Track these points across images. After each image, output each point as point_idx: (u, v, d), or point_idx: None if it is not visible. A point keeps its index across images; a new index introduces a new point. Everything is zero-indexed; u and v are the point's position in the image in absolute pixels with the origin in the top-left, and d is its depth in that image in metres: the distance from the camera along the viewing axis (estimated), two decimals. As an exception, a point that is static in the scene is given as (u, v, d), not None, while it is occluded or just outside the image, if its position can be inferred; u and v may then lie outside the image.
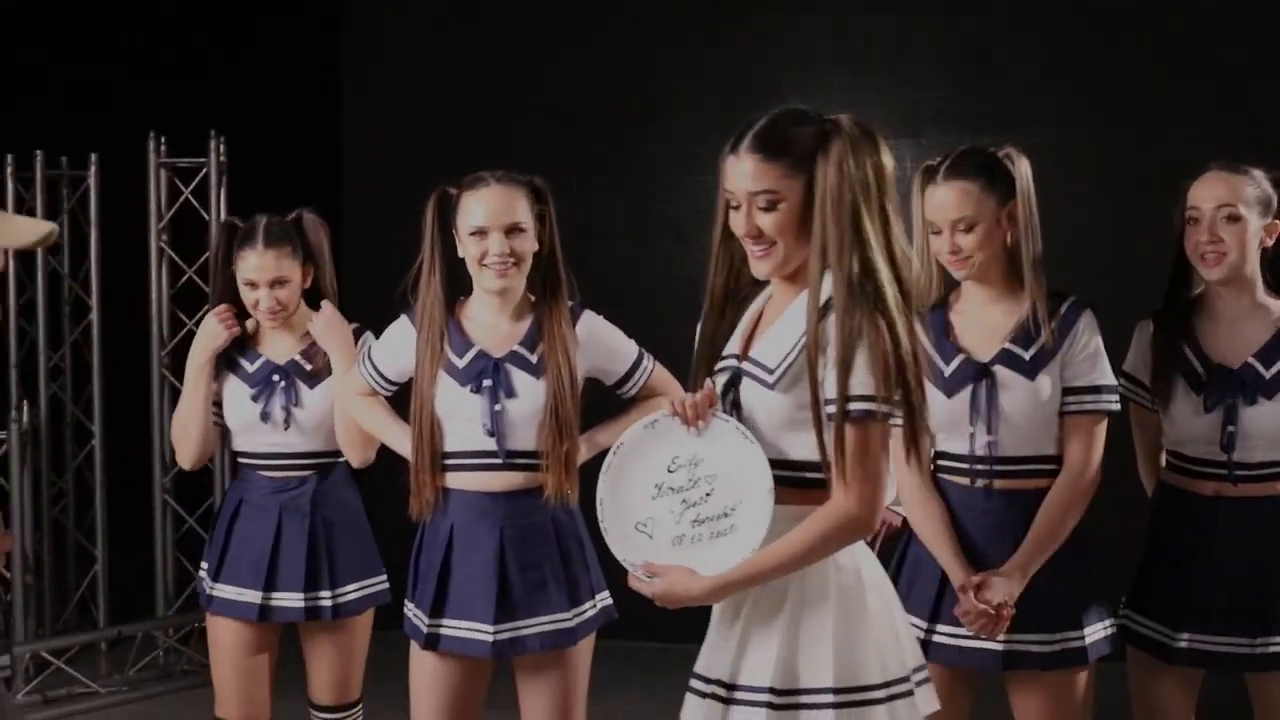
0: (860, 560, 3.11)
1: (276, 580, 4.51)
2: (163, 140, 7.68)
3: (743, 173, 3.03)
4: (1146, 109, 7.49)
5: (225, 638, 4.56)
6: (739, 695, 3.04)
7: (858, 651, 3.02)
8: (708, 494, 3.04)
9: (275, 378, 4.54)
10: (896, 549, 4.04)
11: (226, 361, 4.61)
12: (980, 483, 3.82)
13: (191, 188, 7.66)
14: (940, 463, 3.89)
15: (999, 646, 3.76)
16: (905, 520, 4.02)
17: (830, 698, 2.98)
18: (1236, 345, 3.93)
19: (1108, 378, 3.83)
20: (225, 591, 4.55)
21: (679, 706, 3.13)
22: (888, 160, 3.03)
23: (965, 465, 3.83)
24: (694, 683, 3.12)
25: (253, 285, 4.51)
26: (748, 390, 3.07)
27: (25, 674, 7.03)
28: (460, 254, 4.12)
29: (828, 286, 2.98)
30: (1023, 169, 3.83)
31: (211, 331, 4.58)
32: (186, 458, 4.64)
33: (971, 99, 7.70)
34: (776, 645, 3.01)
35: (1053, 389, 3.79)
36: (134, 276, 7.69)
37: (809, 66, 7.84)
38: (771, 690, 3.00)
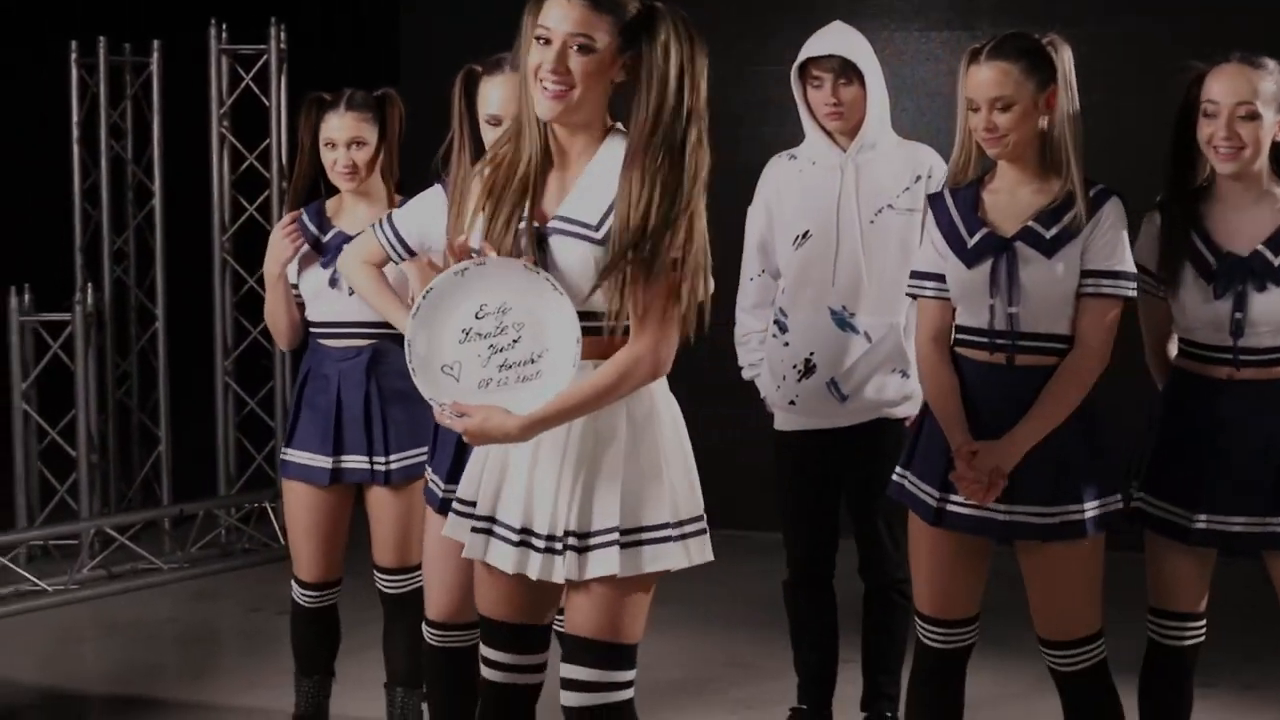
0: (657, 400, 3.32)
1: (343, 444, 4.72)
2: (224, 27, 7.75)
3: (567, 15, 3.17)
4: (1208, 4, 7.45)
5: (300, 502, 4.77)
6: (536, 542, 3.29)
7: (648, 491, 3.27)
8: (515, 340, 3.21)
9: (345, 246, 4.60)
10: (915, 420, 4.19)
11: (304, 231, 4.77)
12: (1000, 356, 3.90)
13: (252, 74, 7.74)
14: (959, 336, 3.98)
15: (1002, 517, 3.87)
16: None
17: (616, 536, 3.24)
18: (1246, 233, 3.95)
19: (1127, 264, 3.89)
20: (298, 457, 4.76)
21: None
22: (703, 62, 3.22)
23: (985, 339, 3.92)
24: (498, 529, 3.33)
25: (331, 145, 4.70)
26: (562, 246, 3.25)
27: (90, 549, 7.20)
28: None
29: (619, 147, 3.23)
30: (1065, 56, 3.90)
31: (278, 246, 4.77)
32: (283, 343, 4.91)
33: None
34: (570, 490, 3.25)
35: (1069, 270, 3.87)
36: (196, 162, 7.82)
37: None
38: (568, 534, 3.25)
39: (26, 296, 7.25)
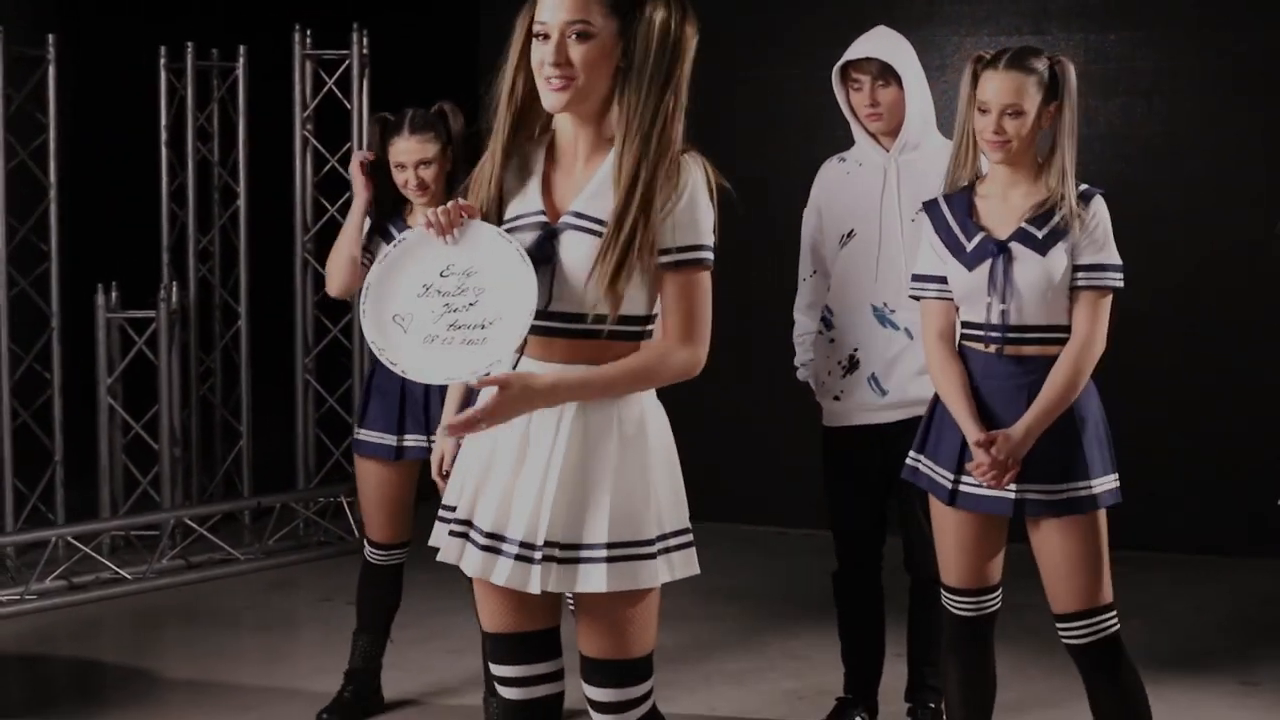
0: (646, 413, 3.29)
1: (405, 425, 5.17)
2: (308, 33, 7.93)
3: (561, 4, 3.15)
4: (1276, 13, 7.48)
5: (370, 476, 5.29)
6: (506, 548, 3.24)
7: (635, 506, 3.22)
8: (471, 304, 3.18)
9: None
10: (927, 410, 4.34)
11: (381, 232, 5.16)
12: (993, 348, 4.14)
13: (335, 79, 7.91)
14: (964, 331, 4.24)
15: (1012, 495, 4.11)
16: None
17: (604, 552, 3.20)
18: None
19: (1114, 257, 4.14)
20: (369, 436, 5.26)
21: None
22: (692, 35, 3.22)
23: (982, 333, 4.16)
24: (473, 533, 3.29)
25: (401, 167, 5.08)
26: (574, 241, 3.21)
27: (171, 539, 7.39)
28: None
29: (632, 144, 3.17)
30: (1071, 76, 4.14)
31: (354, 180, 5.22)
32: (335, 285, 5.21)
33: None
34: (556, 498, 3.20)
35: (1060, 266, 4.08)
36: (279, 164, 7.98)
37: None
38: (548, 544, 3.20)
39: (114, 294, 7.43)
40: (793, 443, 7.21)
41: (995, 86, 4.11)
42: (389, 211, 5.16)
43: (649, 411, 3.30)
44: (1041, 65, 4.13)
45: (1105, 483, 4.15)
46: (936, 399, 4.28)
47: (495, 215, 3.29)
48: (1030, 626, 5.83)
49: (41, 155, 7.36)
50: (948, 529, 4.25)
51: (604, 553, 3.21)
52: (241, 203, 8.06)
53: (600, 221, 3.20)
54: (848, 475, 4.95)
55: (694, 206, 3.22)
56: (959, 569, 4.27)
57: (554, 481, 3.21)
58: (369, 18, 8.00)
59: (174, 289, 7.56)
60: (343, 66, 7.90)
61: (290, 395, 8.03)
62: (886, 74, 4.79)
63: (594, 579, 3.21)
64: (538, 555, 3.21)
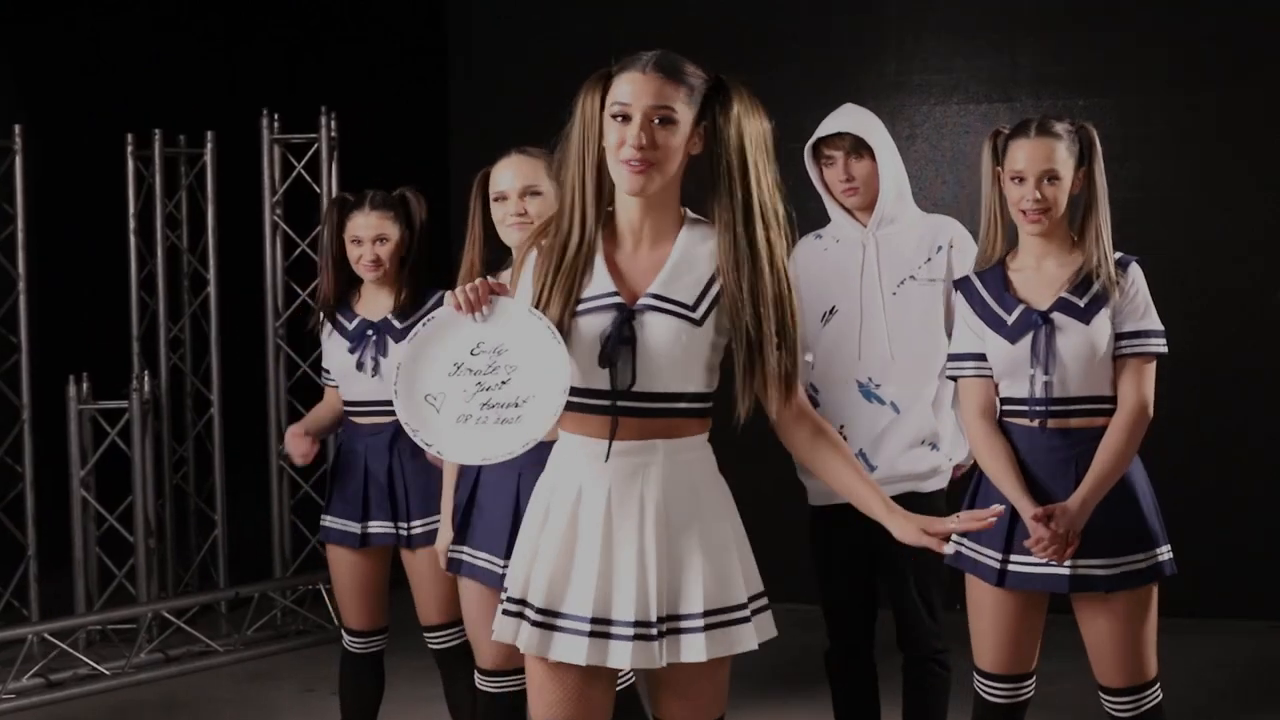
0: (716, 480, 3.36)
1: (370, 511, 5.06)
2: (276, 117, 7.90)
3: (646, 89, 3.18)
4: (1241, 72, 7.51)
5: (339, 563, 5.16)
6: (619, 630, 3.23)
7: (725, 571, 3.29)
8: (504, 382, 3.18)
9: (369, 333, 5.04)
10: (968, 488, 4.30)
11: (333, 322, 5.13)
12: (1037, 422, 4.10)
13: (304, 163, 7.88)
14: (1005, 407, 4.18)
15: (1067, 571, 4.06)
16: (975, 463, 4.30)
17: (700, 621, 3.24)
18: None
19: (1155, 323, 4.13)
20: (334, 523, 5.15)
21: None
22: (770, 133, 3.28)
23: (1026, 407, 4.12)
24: (563, 622, 3.26)
25: (358, 242, 5.02)
26: (657, 323, 3.23)
27: (148, 633, 7.29)
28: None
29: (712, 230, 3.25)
30: (1095, 138, 4.16)
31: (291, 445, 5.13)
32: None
33: (1064, 64, 7.74)
34: (656, 575, 3.22)
35: (1103, 335, 4.07)
36: (249, 250, 7.94)
37: (907, 32, 7.93)
38: (661, 620, 3.23)
39: (85, 385, 7.37)
40: (772, 515, 7.14)
41: (1028, 154, 4.10)
42: (337, 302, 5.12)
43: (716, 479, 3.37)
44: (1067, 130, 4.13)
45: (1161, 553, 4.11)
46: (978, 479, 4.24)
47: (564, 297, 3.27)
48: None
49: (9, 246, 7.31)
50: (988, 611, 4.19)
51: (700, 621, 3.24)
52: (212, 289, 7.99)
53: (683, 305, 3.25)
54: (837, 553, 4.89)
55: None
56: (998, 653, 4.20)
57: (652, 558, 3.24)
58: (337, 100, 7.98)
59: (145, 378, 7.48)
60: (311, 150, 7.88)
61: (265, 482, 7.96)
62: (859, 148, 4.77)
63: (694, 648, 3.25)
64: (653, 631, 3.22)
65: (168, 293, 8.02)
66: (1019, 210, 4.11)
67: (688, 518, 3.27)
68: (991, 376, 4.17)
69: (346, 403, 5.12)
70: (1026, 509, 4.04)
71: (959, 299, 4.26)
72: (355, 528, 5.06)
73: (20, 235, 7.28)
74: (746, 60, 8.03)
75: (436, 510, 4.87)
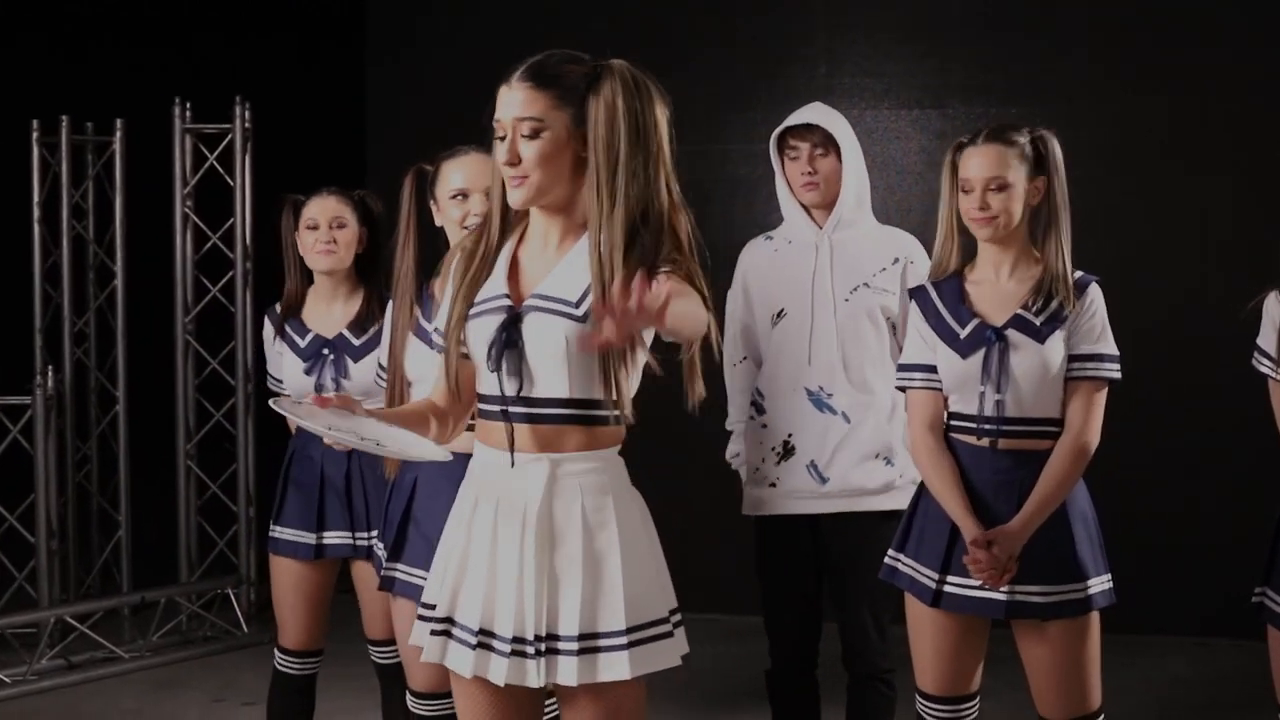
0: (615, 497, 3.19)
1: (325, 521, 4.88)
2: (188, 106, 7.70)
3: (511, 100, 3.12)
4: (1174, 80, 7.47)
5: (285, 576, 4.93)
6: (499, 645, 3.14)
7: (602, 596, 3.14)
8: (374, 442, 3.11)
9: (325, 351, 4.86)
10: (909, 504, 4.18)
11: (282, 336, 4.95)
12: (985, 440, 3.99)
13: (216, 154, 7.68)
14: (952, 422, 4.06)
15: (1003, 597, 3.94)
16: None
17: (575, 644, 3.11)
18: None
19: (1111, 347, 4.02)
20: (285, 534, 4.92)
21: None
22: (661, 111, 3.14)
23: (974, 425, 4.00)
24: (456, 631, 3.20)
25: (314, 227, 4.85)
26: (538, 323, 3.13)
27: (50, 638, 7.05)
28: (439, 222, 4.24)
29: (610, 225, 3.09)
30: (1055, 148, 4.04)
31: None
32: None
33: (997, 71, 7.68)
34: (534, 592, 3.12)
35: (1057, 355, 3.96)
36: (158, 242, 7.74)
37: (838, 35, 7.84)
38: (539, 638, 3.12)
39: (-14, 379, 7.13)
40: (712, 524, 7.03)
41: (976, 162, 3.99)
42: (289, 311, 4.96)
43: (618, 495, 3.19)
44: (1023, 138, 4.01)
45: (1099, 583, 4.00)
46: (919, 494, 4.11)
47: (463, 301, 3.23)
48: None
49: (-92, 235, 7.05)
50: (927, 632, 4.06)
51: (575, 645, 3.12)
52: (119, 282, 7.77)
53: (565, 301, 3.14)
54: (783, 567, 4.76)
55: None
56: (937, 675, 4.07)
57: (530, 574, 3.13)
58: (251, 90, 7.78)
59: (49, 373, 7.24)
60: (225, 140, 7.68)
61: (171, 483, 7.76)
62: (826, 144, 4.65)
63: (567, 672, 3.12)
64: (529, 649, 3.13)
65: (73, 285, 7.77)
66: (969, 219, 4.01)
67: (569, 536, 3.14)
68: (941, 390, 4.06)
69: None
70: (969, 529, 3.93)
71: (913, 307, 4.13)
72: (309, 538, 4.87)
73: (-80, 223, 7.03)
74: (672, 56, 7.93)
75: None
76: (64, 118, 7.64)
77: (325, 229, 4.84)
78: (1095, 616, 3.99)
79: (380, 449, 3.11)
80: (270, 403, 3.17)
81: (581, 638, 3.11)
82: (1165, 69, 7.49)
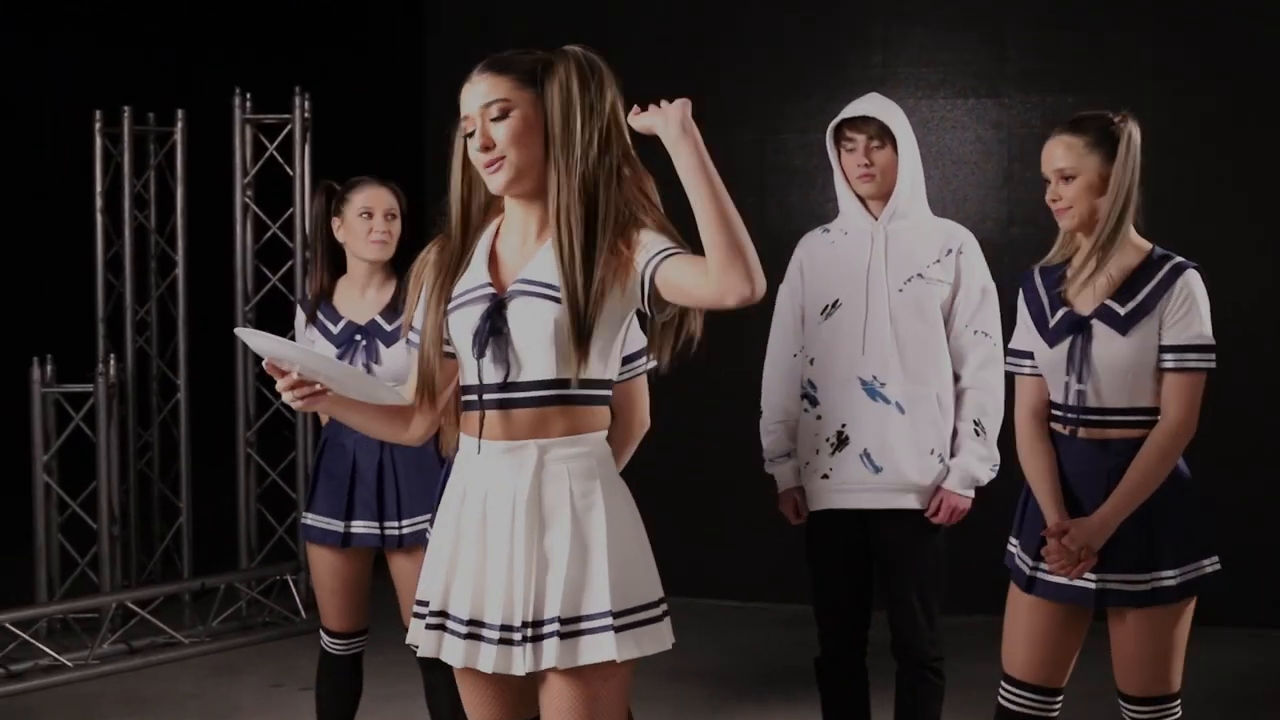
0: (600, 485, 3.23)
1: (354, 510, 4.90)
2: (248, 97, 7.75)
3: (475, 91, 3.19)
4: (1231, 69, 7.43)
5: (320, 563, 4.99)
6: (488, 634, 3.19)
7: (588, 579, 3.18)
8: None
9: (357, 337, 4.86)
10: (1021, 493, 4.18)
11: (314, 323, 4.95)
12: (1068, 429, 4.03)
13: (276, 144, 7.74)
14: (1051, 411, 4.11)
15: (1093, 585, 3.96)
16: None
17: (557, 627, 3.14)
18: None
19: (1205, 338, 3.96)
20: (316, 521, 4.95)
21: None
22: (610, 87, 3.20)
23: (1061, 414, 4.04)
24: (449, 624, 3.24)
25: (368, 215, 4.87)
26: (523, 307, 3.18)
27: (111, 623, 7.13)
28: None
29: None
30: (1131, 133, 4.02)
31: None
32: None
33: (1054, 59, 7.64)
34: (524, 579, 3.16)
35: (1145, 345, 3.94)
36: (219, 232, 7.81)
37: (894, 25, 7.82)
38: (525, 624, 3.15)
39: (49, 367, 7.21)
40: (765, 515, 7.04)
41: (1046, 154, 4.04)
42: (320, 297, 4.97)
43: (603, 485, 3.23)
44: (1096, 126, 4.01)
45: (1192, 570, 3.96)
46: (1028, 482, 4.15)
47: (439, 296, 3.29)
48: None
49: (-26, 224, 7.14)
50: (1021, 616, 4.08)
51: (558, 627, 3.15)
52: (180, 271, 7.85)
53: (548, 285, 3.18)
54: (832, 556, 4.77)
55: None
56: (1026, 660, 4.09)
57: (520, 561, 3.18)
58: (311, 81, 7.84)
59: (111, 362, 7.32)
60: (284, 131, 7.73)
61: (231, 470, 7.82)
62: (882, 135, 4.66)
63: (548, 654, 3.14)
64: (516, 636, 3.17)
65: (134, 274, 7.87)
66: (1052, 209, 4.05)
67: (557, 520, 3.19)
68: (1043, 376, 4.09)
69: None
70: (1051, 517, 3.97)
71: (1020, 294, 4.17)
72: (338, 526, 4.90)
73: (-15, 213, 7.12)
74: (729, 48, 7.95)
75: (426, 510, 4.77)
76: (126, 108, 7.75)
77: (381, 219, 4.86)
78: (1190, 602, 3.98)
79: (341, 387, 3.24)
80: (235, 330, 3.36)
81: (565, 621, 3.14)
82: (1225, 57, 7.44)
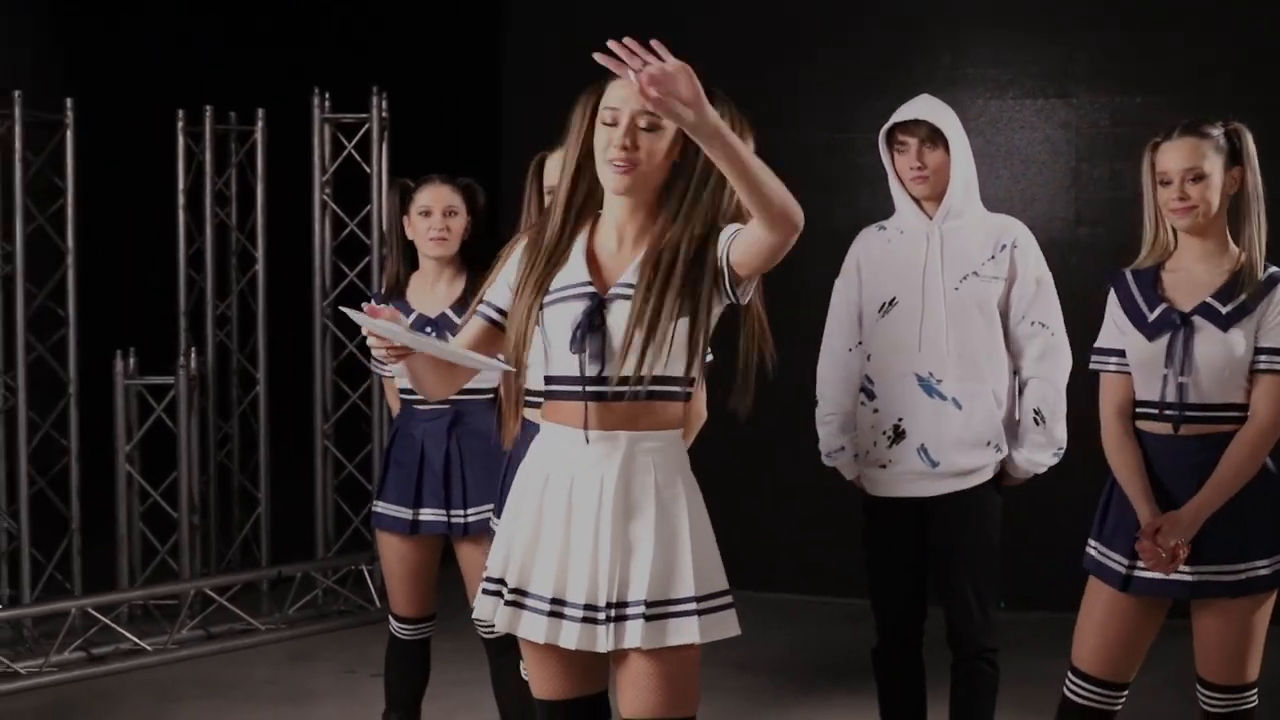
0: (681, 477, 3.41)
1: (422, 498, 5.04)
2: (327, 96, 7.88)
3: (634, 94, 3.23)
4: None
5: (389, 550, 5.15)
6: (571, 612, 3.34)
7: (674, 564, 3.34)
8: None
9: (427, 329, 4.95)
10: (1104, 491, 4.27)
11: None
12: (1167, 426, 4.11)
13: (354, 143, 7.86)
14: (1137, 410, 4.19)
15: (1190, 578, 4.06)
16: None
17: (643, 609, 3.30)
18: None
19: None
20: (385, 509, 5.11)
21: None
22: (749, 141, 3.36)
23: (1156, 410, 4.12)
24: (528, 601, 3.39)
25: (427, 213, 5.01)
26: (623, 311, 3.34)
27: (190, 609, 7.28)
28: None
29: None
30: (1249, 141, 4.15)
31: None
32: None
33: (1122, 60, 7.66)
34: (609, 560, 3.32)
35: (1245, 344, 4.06)
36: (298, 229, 7.93)
37: (962, 25, 7.86)
38: (610, 605, 3.32)
39: (131, 360, 7.37)
40: (819, 509, 7.12)
41: (1173, 155, 4.11)
42: (392, 292, 5.11)
43: (682, 477, 3.41)
44: (1217, 131, 4.12)
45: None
46: (1111, 482, 4.23)
47: (536, 286, 3.41)
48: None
49: (59, 220, 7.31)
50: (1102, 612, 4.17)
51: (644, 609, 3.30)
52: (260, 267, 8.00)
53: None
54: (891, 548, 4.85)
55: None
56: (1098, 654, 4.18)
57: (606, 544, 3.33)
58: (389, 80, 7.96)
59: (192, 355, 7.49)
60: (362, 130, 7.86)
61: (309, 462, 7.95)
62: (934, 137, 4.74)
63: (633, 635, 3.30)
64: (600, 615, 3.31)
65: (215, 270, 8.03)
66: (1168, 210, 4.13)
67: (644, 509, 3.34)
68: (1130, 374, 4.18)
69: (404, 390, 5.07)
70: (1144, 515, 4.06)
71: (1110, 293, 4.26)
72: (406, 514, 5.04)
73: (70, 210, 7.30)
74: (798, 48, 8.00)
75: (490, 499, 4.84)
76: (208, 108, 7.89)
77: (439, 217, 4.99)
78: (1274, 592, 4.10)
79: (440, 351, 3.41)
80: (342, 309, 3.48)
81: (652, 604, 3.30)
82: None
